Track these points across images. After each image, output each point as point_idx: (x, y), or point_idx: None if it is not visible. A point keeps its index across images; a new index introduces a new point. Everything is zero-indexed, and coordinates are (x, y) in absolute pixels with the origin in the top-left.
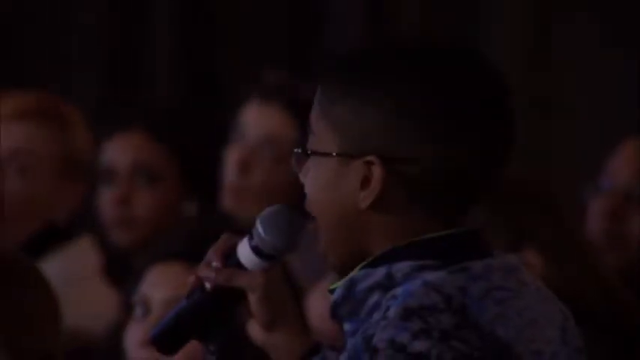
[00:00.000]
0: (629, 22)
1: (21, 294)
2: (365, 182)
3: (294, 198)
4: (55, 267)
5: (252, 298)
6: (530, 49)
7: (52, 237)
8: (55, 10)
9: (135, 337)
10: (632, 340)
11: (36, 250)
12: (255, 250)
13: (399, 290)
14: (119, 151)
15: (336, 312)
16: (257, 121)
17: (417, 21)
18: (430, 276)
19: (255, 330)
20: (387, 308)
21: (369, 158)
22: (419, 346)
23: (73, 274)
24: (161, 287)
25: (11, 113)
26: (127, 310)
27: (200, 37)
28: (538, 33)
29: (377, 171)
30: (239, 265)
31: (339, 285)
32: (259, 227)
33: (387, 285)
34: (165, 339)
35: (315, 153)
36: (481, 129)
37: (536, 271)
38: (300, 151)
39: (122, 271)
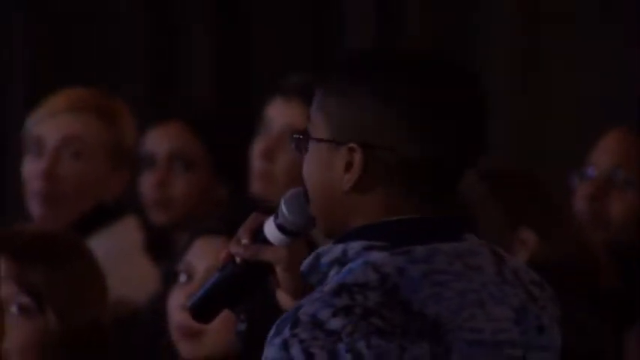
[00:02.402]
0: (628, 21)
1: (70, 268)
2: (348, 167)
3: None
4: (102, 243)
5: (278, 270)
6: (529, 50)
7: (101, 217)
8: (101, 15)
9: (177, 301)
10: (608, 300)
11: (86, 228)
12: (280, 227)
13: (347, 267)
14: (158, 140)
15: (305, 280)
16: (280, 115)
17: (417, 21)
18: (374, 256)
19: (283, 298)
20: (329, 282)
21: (351, 145)
22: (334, 324)
23: (119, 250)
24: (204, 257)
25: (69, 105)
26: (166, 281)
27: (233, 39)
28: (537, 33)
29: (357, 157)
30: (265, 241)
31: (308, 257)
32: (283, 207)
33: (342, 260)
34: (201, 309)
35: (309, 138)
36: (455, 125)
37: (530, 245)
38: (299, 136)
39: (161, 247)
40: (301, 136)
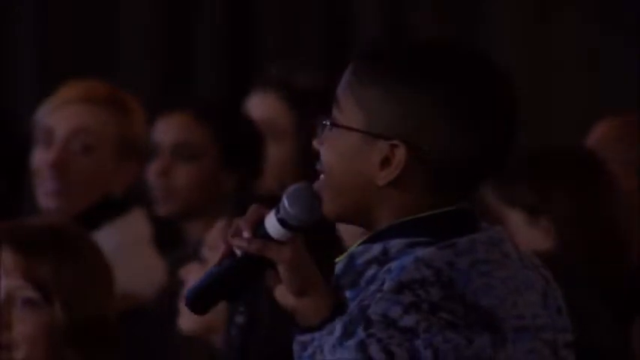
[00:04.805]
0: (628, 17)
1: (77, 261)
2: (385, 162)
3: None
4: (110, 236)
5: (281, 269)
6: (532, 48)
7: (109, 209)
8: (108, 7)
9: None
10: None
11: (94, 220)
12: (281, 221)
13: (393, 264)
14: (163, 130)
15: (338, 283)
16: (257, 108)
17: (416, 21)
18: (421, 252)
19: (282, 295)
20: (383, 281)
21: (395, 142)
22: (408, 321)
23: (127, 243)
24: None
25: (80, 97)
26: (173, 273)
27: (241, 35)
28: (539, 32)
29: (400, 154)
30: (266, 236)
31: (341, 259)
32: (285, 201)
33: (382, 259)
34: (197, 301)
35: (344, 127)
36: (492, 123)
37: (550, 237)
38: (328, 122)
39: (168, 239)
40: (331, 123)
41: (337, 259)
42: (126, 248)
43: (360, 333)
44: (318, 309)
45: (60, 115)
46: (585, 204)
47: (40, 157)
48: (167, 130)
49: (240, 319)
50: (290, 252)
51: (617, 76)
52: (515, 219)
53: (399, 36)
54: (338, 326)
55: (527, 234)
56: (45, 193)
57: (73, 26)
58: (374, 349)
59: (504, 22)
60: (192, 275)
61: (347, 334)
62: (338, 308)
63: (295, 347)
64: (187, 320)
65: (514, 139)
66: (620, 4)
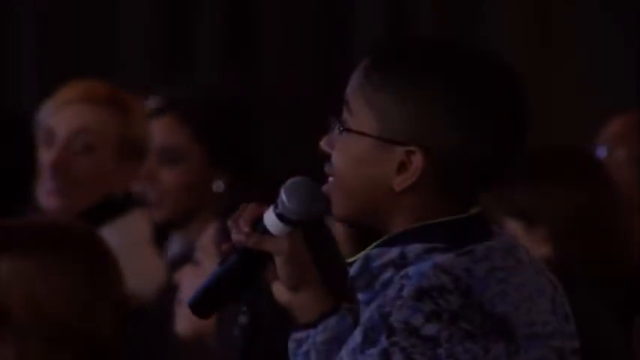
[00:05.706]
0: (628, 17)
1: (99, 262)
2: (402, 168)
3: None
4: (110, 236)
5: (278, 262)
6: (532, 48)
7: (109, 209)
8: (108, 7)
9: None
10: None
11: (94, 220)
12: (280, 216)
13: (411, 270)
14: (152, 134)
15: (352, 284)
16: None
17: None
18: (439, 258)
19: (279, 291)
20: (402, 287)
21: (412, 148)
22: (430, 330)
23: (127, 242)
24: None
25: (80, 97)
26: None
27: (239, 30)
28: (539, 32)
29: (417, 160)
30: (265, 231)
31: (356, 259)
32: (283, 196)
33: (399, 263)
34: (200, 305)
35: (357, 132)
36: (505, 123)
37: (547, 244)
38: (341, 127)
39: (166, 242)
40: (344, 128)
41: (351, 260)
42: (126, 248)
43: (383, 341)
44: (313, 306)
45: (60, 116)
46: (585, 204)
47: (42, 158)
48: (154, 134)
49: (242, 319)
50: (287, 244)
51: (617, 76)
52: (513, 226)
53: (402, 36)
54: (357, 332)
55: (524, 242)
56: (46, 193)
57: (73, 26)
58: (397, 359)
59: (504, 22)
60: (187, 278)
61: (368, 341)
62: (334, 307)
63: (290, 344)
64: (183, 324)
65: (522, 139)
66: (620, 4)
